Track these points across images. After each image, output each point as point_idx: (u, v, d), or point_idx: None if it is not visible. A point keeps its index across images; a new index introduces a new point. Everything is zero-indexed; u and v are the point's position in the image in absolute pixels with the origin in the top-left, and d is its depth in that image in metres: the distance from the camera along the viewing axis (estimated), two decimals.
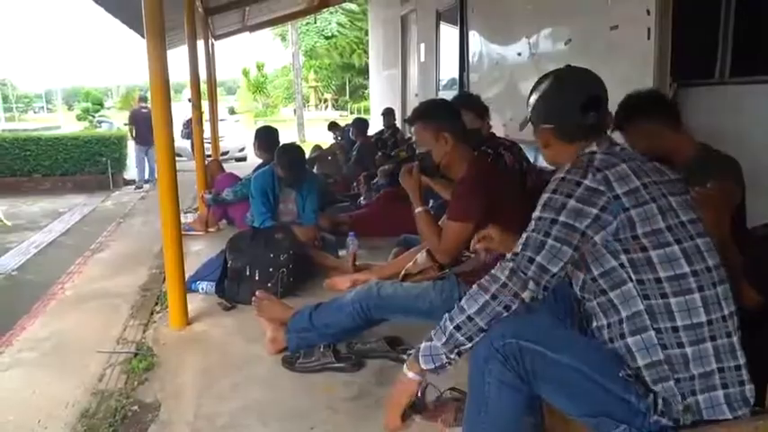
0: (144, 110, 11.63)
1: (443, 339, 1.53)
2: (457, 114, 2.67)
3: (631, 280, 1.44)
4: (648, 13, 3.62)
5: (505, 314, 1.48)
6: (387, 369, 2.60)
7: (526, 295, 1.47)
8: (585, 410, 1.49)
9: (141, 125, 11.21)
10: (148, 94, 3.17)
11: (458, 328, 1.51)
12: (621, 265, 1.45)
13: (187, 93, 13.37)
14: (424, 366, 1.56)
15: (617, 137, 1.85)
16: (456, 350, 1.53)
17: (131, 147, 11.61)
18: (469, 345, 1.52)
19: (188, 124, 11.89)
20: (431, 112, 2.65)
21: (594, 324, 1.55)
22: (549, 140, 1.67)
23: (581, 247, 1.46)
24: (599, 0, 4.18)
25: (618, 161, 1.49)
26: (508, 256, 1.51)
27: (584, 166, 1.49)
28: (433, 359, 1.55)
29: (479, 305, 1.49)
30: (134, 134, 11.27)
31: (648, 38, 3.63)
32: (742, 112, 3.14)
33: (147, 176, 11.16)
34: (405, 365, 1.61)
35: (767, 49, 3.17)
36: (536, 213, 1.51)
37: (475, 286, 1.54)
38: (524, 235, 1.51)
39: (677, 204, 1.47)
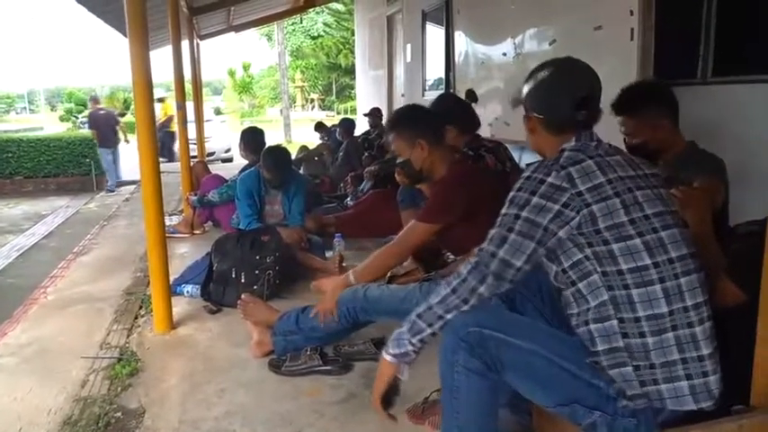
0: (101, 111, 11.58)
1: (408, 326, 1.62)
2: (430, 118, 2.67)
3: (596, 271, 1.48)
4: (632, 13, 3.64)
5: (464, 307, 1.55)
6: (374, 371, 2.53)
7: (483, 290, 1.53)
8: (556, 398, 1.53)
9: (103, 127, 11.13)
10: (132, 94, 3.13)
11: (419, 316, 1.61)
12: (587, 258, 1.49)
13: (157, 93, 13.18)
14: (390, 350, 1.65)
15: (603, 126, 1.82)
16: (417, 336, 1.61)
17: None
18: (429, 331, 1.60)
19: (159, 127, 11.70)
20: (403, 121, 2.65)
21: (568, 311, 1.58)
22: (536, 128, 1.71)
23: (545, 242, 1.50)
24: (583, 1, 4.20)
25: (584, 157, 1.53)
26: (475, 250, 1.57)
27: (550, 164, 1.54)
28: (399, 344, 1.63)
29: (441, 297, 1.58)
30: (97, 137, 11.14)
31: (632, 38, 3.66)
32: (723, 112, 3.16)
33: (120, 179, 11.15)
34: (383, 351, 1.69)
35: (748, 49, 3.20)
36: (502, 210, 1.57)
37: (443, 281, 1.62)
38: (490, 231, 1.57)
39: (643, 198, 1.50)
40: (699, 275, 1.50)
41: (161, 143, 11.50)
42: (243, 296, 2.92)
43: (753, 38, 3.15)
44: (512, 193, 1.57)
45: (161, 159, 11.40)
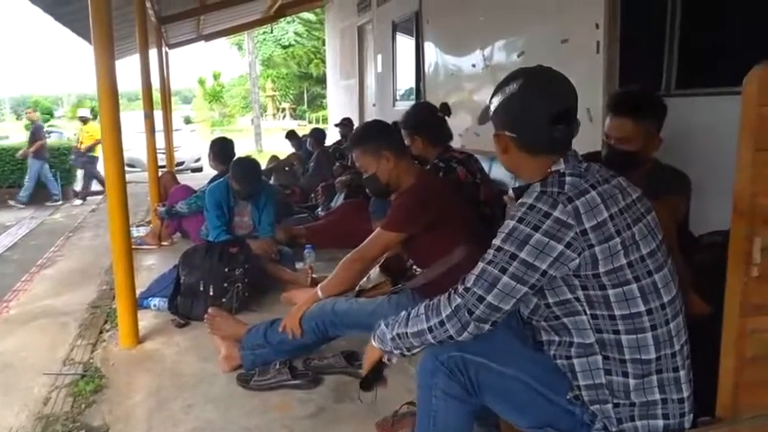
0: (40, 123, 11.56)
1: (390, 335, 1.58)
2: (393, 131, 2.69)
3: (585, 313, 1.43)
4: (597, 27, 3.71)
5: (438, 346, 1.51)
6: (344, 385, 2.57)
7: (462, 338, 1.45)
8: (532, 422, 1.53)
9: (43, 138, 11.08)
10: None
11: (398, 336, 1.56)
12: (577, 299, 1.42)
13: (83, 111, 12.42)
14: (375, 343, 1.64)
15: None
16: (398, 350, 1.59)
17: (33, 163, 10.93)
18: (409, 353, 1.58)
19: (79, 152, 11.04)
20: (366, 136, 2.65)
21: (545, 338, 1.55)
22: (509, 148, 1.53)
23: (538, 285, 1.41)
24: (550, 14, 4.26)
25: (588, 186, 1.41)
26: (459, 288, 1.46)
27: (555, 193, 1.40)
28: (383, 342, 1.61)
29: (417, 329, 1.51)
30: (39, 149, 10.90)
31: (598, 51, 3.72)
32: (686, 124, 3.23)
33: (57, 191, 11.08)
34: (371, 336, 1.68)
35: (711, 63, 3.27)
36: (497, 241, 1.42)
37: (422, 307, 1.53)
38: (480, 266, 1.44)
39: (639, 235, 1.41)
40: (684, 313, 1.49)
41: (85, 171, 11.00)
42: (210, 310, 2.88)
43: (715, 52, 3.23)
44: (511, 223, 1.41)
45: (77, 191, 10.89)
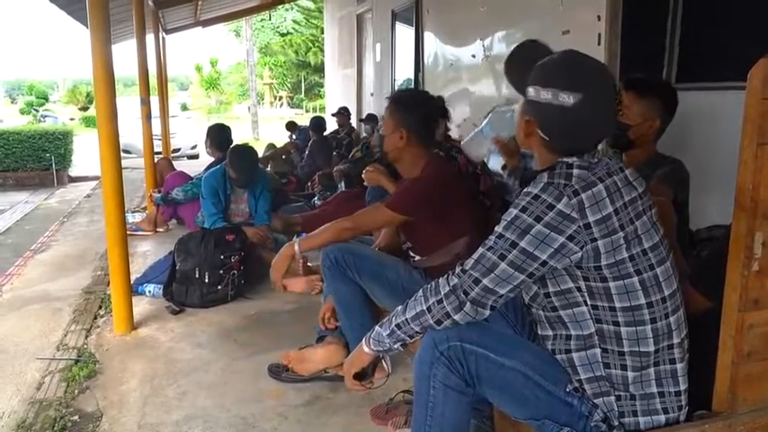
0: None
1: (387, 332, 1.57)
2: (425, 117, 2.52)
3: (586, 303, 1.43)
4: (599, 19, 3.70)
5: (438, 327, 1.48)
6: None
7: (458, 318, 1.44)
8: (530, 413, 1.51)
9: None
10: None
11: (398, 326, 1.55)
12: (578, 288, 1.42)
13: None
14: (369, 349, 1.62)
15: None
16: (398, 343, 1.57)
17: None
18: (411, 340, 1.56)
19: None
20: (401, 103, 2.50)
21: (540, 332, 1.54)
22: (533, 137, 1.49)
23: (537, 274, 1.40)
24: (551, 5, 4.24)
25: (595, 179, 1.39)
26: (457, 269, 1.47)
27: (561, 185, 1.38)
28: (380, 344, 1.60)
29: (416, 312, 1.50)
30: None
31: (599, 43, 3.71)
32: (686, 118, 3.22)
33: None
34: (363, 340, 1.64)
35: (710, 57, 3.26)
36: (499, 228, 1.41)
37: (420, 291, 1.52)
38: (480, 250, 1.43)
39: (642, 228, 1.40)
40: (684, 307, 1.49)
41: None
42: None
43: (715, 47, 3.22)
44: (514, 211, 1.39)
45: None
